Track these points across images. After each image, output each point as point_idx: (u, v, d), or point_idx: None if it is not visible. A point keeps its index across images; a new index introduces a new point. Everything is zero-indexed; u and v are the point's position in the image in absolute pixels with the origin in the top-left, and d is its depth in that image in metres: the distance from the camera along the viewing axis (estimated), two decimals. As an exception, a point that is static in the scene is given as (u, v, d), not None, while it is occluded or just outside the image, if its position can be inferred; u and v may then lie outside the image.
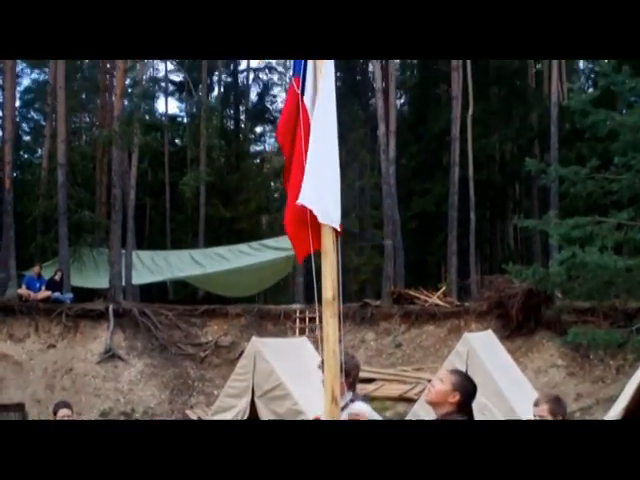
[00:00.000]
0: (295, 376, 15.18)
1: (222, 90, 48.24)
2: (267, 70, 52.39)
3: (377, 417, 7.06)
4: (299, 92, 5.77)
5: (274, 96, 53.19)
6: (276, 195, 51.12)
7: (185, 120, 48.31)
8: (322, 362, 5.78)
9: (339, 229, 5.44)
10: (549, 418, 6.16)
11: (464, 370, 11.85)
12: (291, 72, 6.19)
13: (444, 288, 28.57)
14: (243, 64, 49.88)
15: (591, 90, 34.27)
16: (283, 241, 32.94)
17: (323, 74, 5.72)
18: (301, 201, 5.34)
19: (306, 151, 5.51)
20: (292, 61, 6.12)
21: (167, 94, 46.93)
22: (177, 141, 47.83)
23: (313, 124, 5.58)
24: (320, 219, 5.32)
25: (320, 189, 5.39)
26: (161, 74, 48.63)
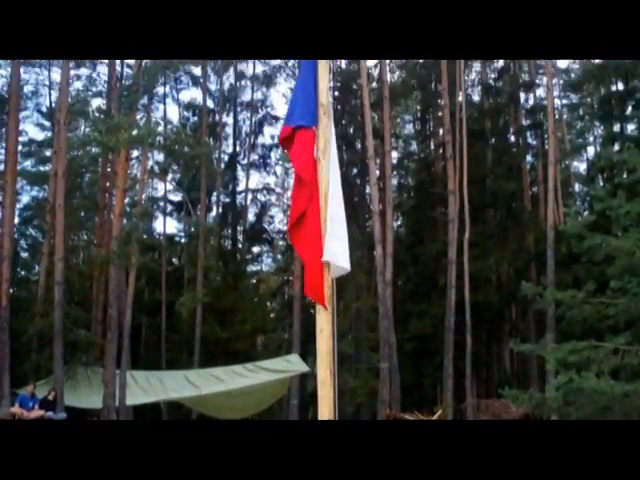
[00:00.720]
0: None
1: (220, 210, 48.60)
2: (265, 191, 52.97)
3: None
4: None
5: (271, 217, 53.67)
6: (272, 315, 51.06)
7: (183, 240, 48.58)
8: None
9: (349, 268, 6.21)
10: None
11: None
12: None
13: (440, 412, 28.24)
14: (242, 185, 50.53)
15: (587, 213, 34.64)
16: (278, 363, 32.72)
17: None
18: (326, 258, 5.96)
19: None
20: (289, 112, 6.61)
21: (165, 214, 47.28)
22: (174, 260, 47.98)
23: (330, 189, 6.13)
24: (344, 265, 6.10)
25: (337, 242, 6.03)
26: (160, 193, 49.16)
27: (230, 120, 50.54)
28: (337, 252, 5.99)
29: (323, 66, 6.21)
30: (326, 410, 5.34)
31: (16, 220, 38.28)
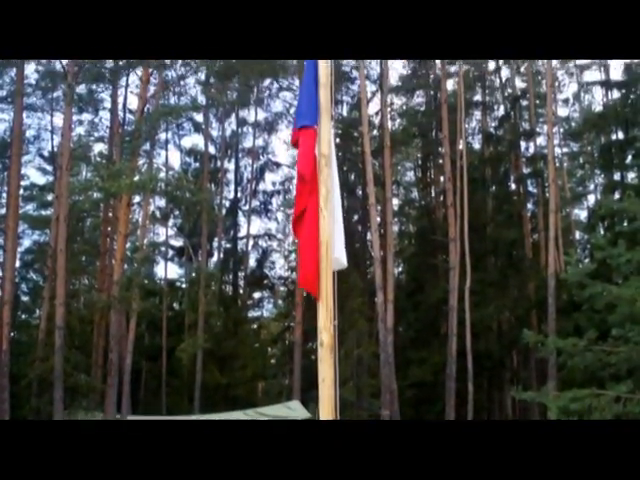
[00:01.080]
0: None
1: (221, 256, 48.64)
2: (266, 237, 52.98)
3: None
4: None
5: (273, 262, 53.64)
6: (273, 361, 50.85)
7: (184, 285, 48.56)
8: None
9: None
10: None
11: None
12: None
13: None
14: (243, 231, 50.63)
15: (587, 261, 34.63)
16: (279, 409, 32.54)
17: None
18: (336, 254, 6.38)
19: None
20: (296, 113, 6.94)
21: (167, 259, 47.31)
22: (175, 305, 47.94)
23: (334, 189, 6.50)
24: (345, 262, 6.55)
25: (340, 240, 6.50)
26: (161, 239, 49.21)
27: (231, 166, 50.90)
28: (342, 252, 6.48)
29: (325, 114, 6.32)
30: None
31: (17, 264, 38.29)
